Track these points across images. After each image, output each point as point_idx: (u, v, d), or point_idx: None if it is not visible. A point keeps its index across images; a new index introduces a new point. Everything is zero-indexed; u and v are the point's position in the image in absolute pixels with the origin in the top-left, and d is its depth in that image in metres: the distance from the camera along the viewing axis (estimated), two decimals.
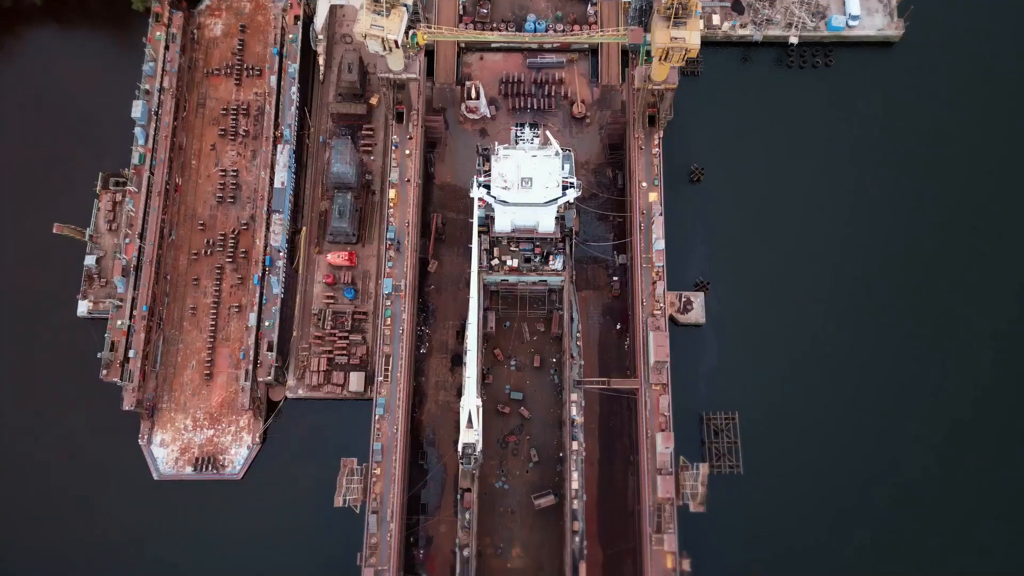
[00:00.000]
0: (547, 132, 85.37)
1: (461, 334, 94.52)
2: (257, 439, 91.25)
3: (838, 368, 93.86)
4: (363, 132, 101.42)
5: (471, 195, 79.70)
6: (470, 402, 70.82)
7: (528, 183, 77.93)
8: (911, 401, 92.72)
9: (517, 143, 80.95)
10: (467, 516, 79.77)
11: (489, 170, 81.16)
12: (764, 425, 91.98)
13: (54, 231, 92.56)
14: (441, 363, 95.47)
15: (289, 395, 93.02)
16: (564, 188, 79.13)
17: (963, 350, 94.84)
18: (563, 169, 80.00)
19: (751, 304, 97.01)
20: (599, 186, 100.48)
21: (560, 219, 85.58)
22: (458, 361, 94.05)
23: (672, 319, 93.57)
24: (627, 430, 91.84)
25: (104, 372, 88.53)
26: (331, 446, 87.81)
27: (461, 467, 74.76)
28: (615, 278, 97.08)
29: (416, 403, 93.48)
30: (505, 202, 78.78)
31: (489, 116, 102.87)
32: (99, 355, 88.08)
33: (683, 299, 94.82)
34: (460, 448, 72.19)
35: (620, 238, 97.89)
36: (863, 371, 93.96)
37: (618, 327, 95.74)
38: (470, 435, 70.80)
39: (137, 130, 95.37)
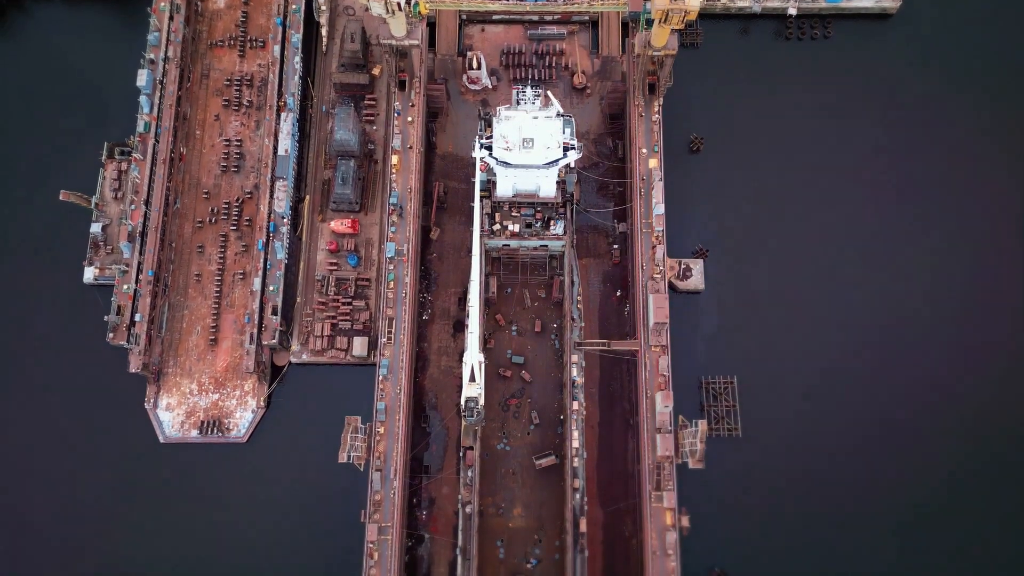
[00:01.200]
0: (548, 93, 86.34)
1: (463, 301, 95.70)
2: (262, 403, 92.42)
3: (836, 333, 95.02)
4: (366, 102, 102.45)
5: (473, 155, 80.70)
6: (473, 357, 72.02)
7: (530, 144, 78.96)
8: (909, 364, 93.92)
9: (519, 104, 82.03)
10: (469, 474, 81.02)
11: (491, 135, 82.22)
12: (762, 389, 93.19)
13: (60, 198, 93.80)
14: (443, 329, 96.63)
15: (293, 360, 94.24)
16: (565, 150, 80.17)
17: (964, 312, 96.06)
18: (564, 133, 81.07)
19: (750, 271, 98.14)
20: (599, 155, 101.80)
21: (561, 184, 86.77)
22: (460, 327, 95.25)
23: (671, 286, 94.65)
24: (627, 394, 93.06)
25: (111, 335, 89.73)
26: (335, 410, 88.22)
27: (464, 421, 75.96)
28: (615, 246, 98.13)
29: (419, 368, 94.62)
30: (507, 163, 79.78)
31: (490, 87, 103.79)
32: (106, 318, 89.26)
33: (682, 266, 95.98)
34: (463, 402, 73.43)
35: (620, 207, 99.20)
36: (861, 336, 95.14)
37: (618, 294, 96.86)
38: (472, 389, 72.02)
39: (142, 99, 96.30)
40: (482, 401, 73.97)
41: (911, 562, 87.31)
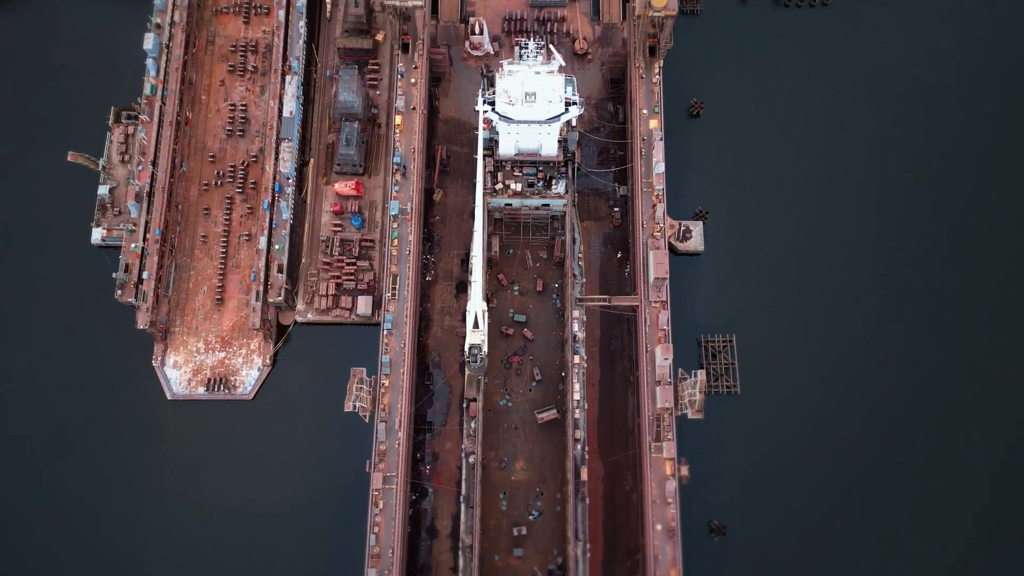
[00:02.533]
0: (551, 46, 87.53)
1: (466, 262, 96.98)
2: (267, 361, 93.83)
3: (834, 293, 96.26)
4: (369, 67, 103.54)
5: (476, 108, 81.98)
6: (476, 306, 73.40)
7: (532, 98, 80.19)
8: (907, 323, 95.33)
9: (521, 59, 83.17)
10: (472, 426, 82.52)
11: (494, 92, 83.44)
12: (761, 348, 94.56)
13: (68, 159, 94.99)
14: (446, 290, 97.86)
15: (298, 319, 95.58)
16: (567, 105, 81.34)
17: (961, 277, 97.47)
18: (566, 90, 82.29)
19: (750, 233, 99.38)
20: (600, 119, 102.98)
21: (563, 142, 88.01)
22: (463, 288, 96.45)
23: (671, 247, 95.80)
24: (627, 353, 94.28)
25: (119, 293, 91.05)
26: (340, 368, 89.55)
27: (467, 369, 77.31)
28: (616, 209, 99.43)
29: (422, 328, 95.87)
30: (509, 119, 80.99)
31: (492, 53, 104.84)
32: (114, 275, 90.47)
33: (682, 227, 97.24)
34: (467, 349, 74.80)
35: (621, 167, 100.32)
36: (859, 297, 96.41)
37: (619, 255, 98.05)
38: (476, 336, 73.42)
39: (149, 62, 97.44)
40: (485, 348, 75.34)
41: (906, 516, 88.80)
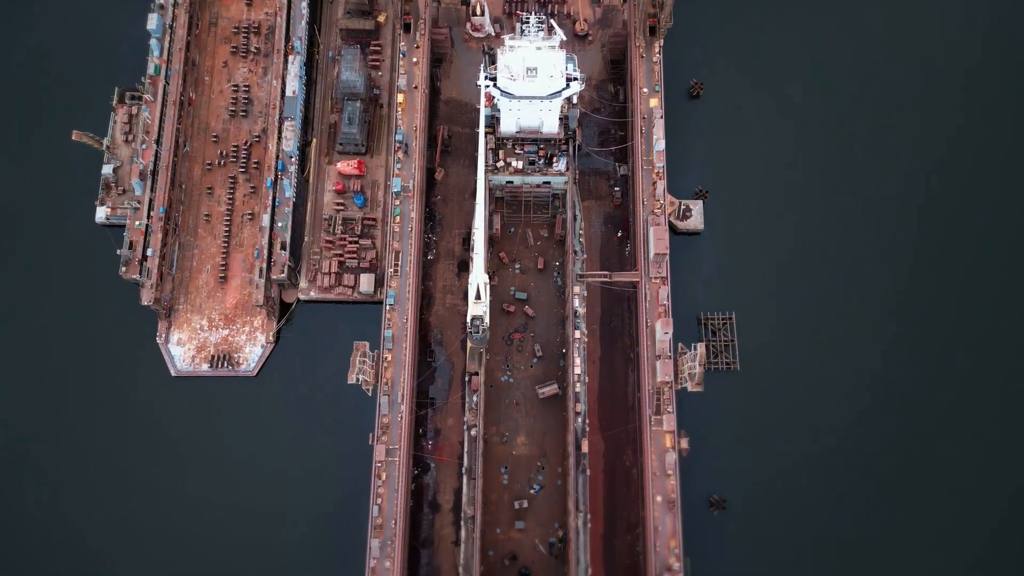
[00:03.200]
0: (552, 21, 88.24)
1: (467, 241, 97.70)
2: (271, 338, 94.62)
3: (834, 271, 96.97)
4: (371, 48, 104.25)
5: (477, 84, 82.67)
6: (478, 277, 74.17)
7: (533, 73, 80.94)
8: (907, 299, 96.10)
9: (522, 35, 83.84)
10: (474, 399, 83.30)
11: (495, 69, 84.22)
12: (760, 325, 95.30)
13: (73, 138, 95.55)
14: (448, 268, 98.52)
15: (301, 297, 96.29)
16: (568, 81, 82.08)
17: (962, 251, 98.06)
18: (567, 66, 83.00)
19: (750, 212, 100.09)
20: (601, 100, 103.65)
21: (563, 120, 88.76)
22: (464, 267, 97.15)
23: (671, 227, 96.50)
24: (627, 330, 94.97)
25: (123, 270, 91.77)
26: (342, 345, 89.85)
27: (469, 341, 78.07)
28: (616, 188, 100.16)
29: (424, 305, 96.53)
30: (511, 94, 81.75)
31: (494, 34, 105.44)
32: (118, 252, 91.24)
33: (682, 206, 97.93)
34: (468, 320, 75.58)
35: (622, 152, 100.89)
36: (858, 275, 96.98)
37: (619, 234, 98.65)
38: (478, 308, 74.19)
39: (152, 42, 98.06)
40: (487, 320, 76.08)
41: (905, 491, 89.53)
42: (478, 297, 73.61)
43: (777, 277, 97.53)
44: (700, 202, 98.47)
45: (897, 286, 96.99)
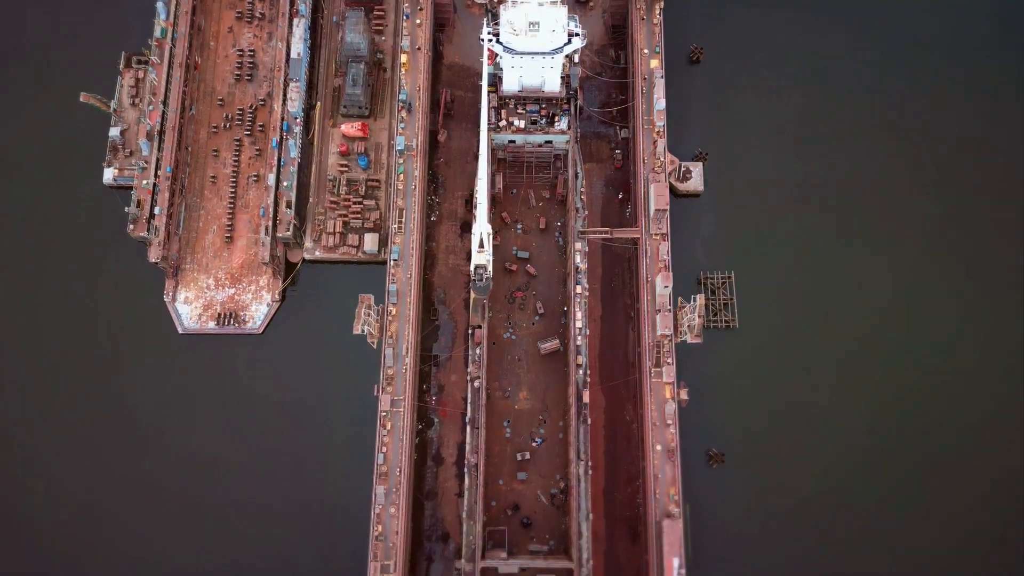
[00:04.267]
0: None
1: (470, 202, 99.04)
2: (276, 297, 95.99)
3: (831, 232, 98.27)
4: (375, 13, 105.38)
5: (480, 39, 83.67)
6: (481, 227, 75.41)
7: (535, 28, 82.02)
8: (901, 262, 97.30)
9: None
10: (478, 352, 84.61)
11: (498, 26, 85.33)
12: (759, 284, 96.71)
13: (81, 99, 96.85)
14: (451, 230, 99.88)
15: (306, 257, 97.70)
16: (570, 36, 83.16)
17: (961, 216, 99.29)
18: (569, 22, 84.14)
19: (749, 175, 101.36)
20: (602, 65, 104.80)
21: (565, 78, 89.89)
22: (467, 228, 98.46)
23: (672, 188, 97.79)
24: (628, 289, 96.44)
25: (131, 227, 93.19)
26: (346, 303, 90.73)
27: (472, 292, 79.28)
28: (617, 151, 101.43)
29: (427, 265, 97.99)
30: (513, 50, 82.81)
31: (495, 0, 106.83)
32: (126, 210, 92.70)
33: (682, 168, 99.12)
34: (472, 269, 76.87)
35: (623, 115, 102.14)
36: (855, 236, 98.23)
37: (620, 196, 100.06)
38: (481, 257, 75.50)
39: (159, 5, 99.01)
40: (490, 269, 77.33)
41: (901, 445, 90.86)
42: (481, 246, 74.79)
43: (776, 237, 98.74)
44: (700, 164, 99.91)
45: (893, 246, 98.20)
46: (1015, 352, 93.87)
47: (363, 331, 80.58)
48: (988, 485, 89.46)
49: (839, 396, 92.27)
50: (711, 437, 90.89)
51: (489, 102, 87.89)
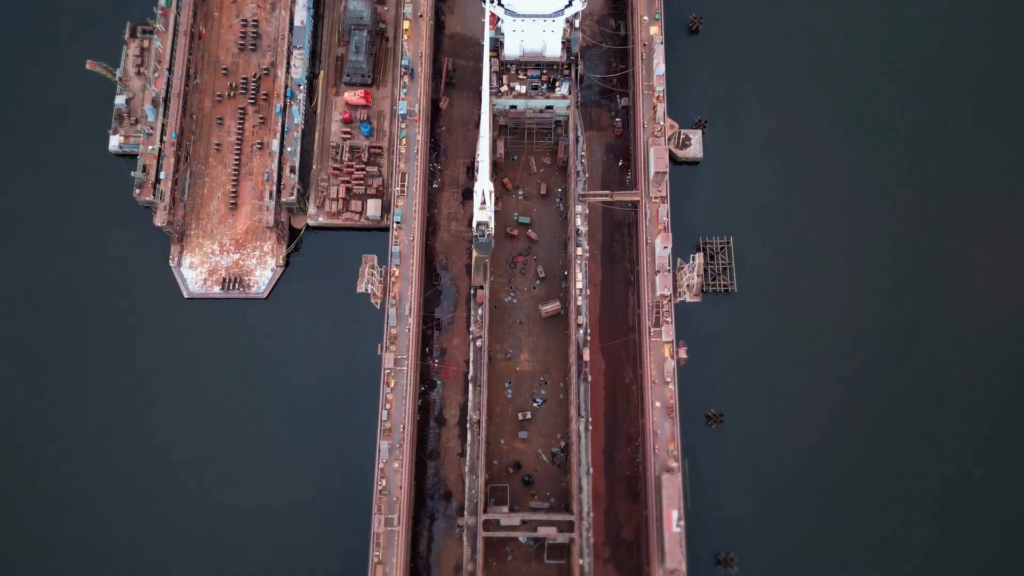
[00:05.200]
0: None
1: (471, 170, 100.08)
2: (280, 262, 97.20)
3: (830, 197, 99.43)
4: None
5: (482, 3, 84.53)
6: (483, 184, 76.47)
7: None
8: (899, 227, 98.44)
9: None
10: (479, 312, 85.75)
11: None
12: (757, 249, 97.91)
13: (87, 67, 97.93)
14: (452, 197, 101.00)
15: (310, 223, 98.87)
16: None
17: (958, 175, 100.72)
18: None
19: (748, 141, 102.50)
20: (603, 35, 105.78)
21: (566, 44, 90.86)
22: (468, 195, 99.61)
23: (671, 155, 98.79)
24: (627, 255, 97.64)
25: (137, 192, 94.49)
26: (350, 269, 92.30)
27: (475, 248, 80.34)
28: (617, 119, 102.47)
29: (429, 232, 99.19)
30: (514, 12, 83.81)
31: None
32: (132, 174, 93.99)
33: (682, 135, 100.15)
34: (474, 226, 77.95)
35: (623, 83, 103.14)
36: (854, 202, 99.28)
37: (620, 163, 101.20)
38: (483, 214, 76.54)
39: None
40: (492, 226, 78.41)
41: (895, 404, 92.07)
42: (483, 203, 75.92)
43: (775, 203, 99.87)
44: (699, 131, 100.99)
45: (892, 212, 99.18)
46: (1016, 312, 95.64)
47: (366, 290, 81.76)
48: (982, 439, 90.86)
49: (837, 358, 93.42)
50: (710, 399, 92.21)
51: (491, 67, 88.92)
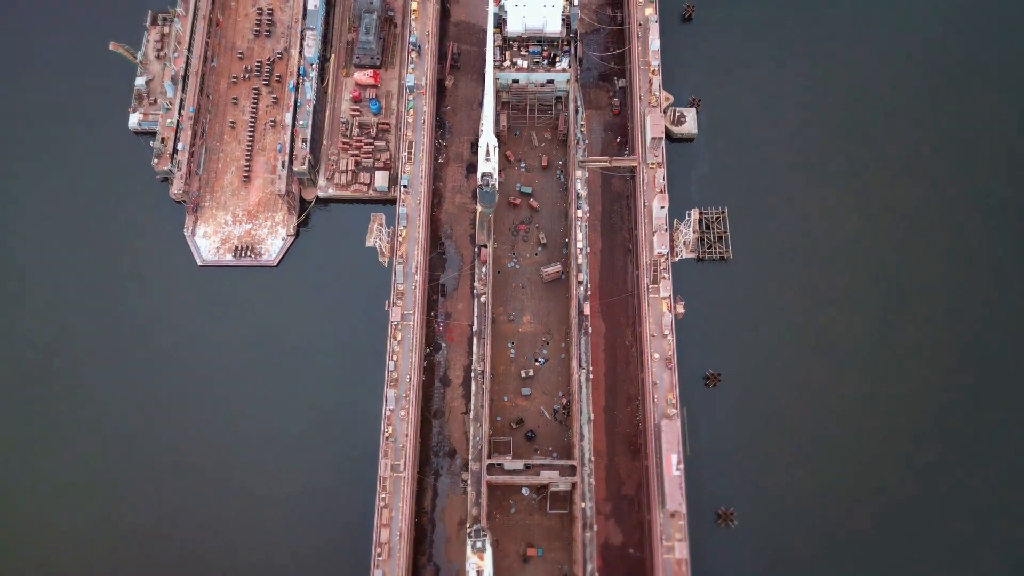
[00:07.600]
0: None
1: (475, 146, 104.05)
2: (291, 231, 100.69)
3: (821, 170, 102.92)
4: None
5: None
6: (487, 139, 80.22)
7: None
8: (894, 201, 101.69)
9: None
10: (483, 270, 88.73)
11: None
12: (751, 219, 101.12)
13: (110, 48, 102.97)
14: (457, 171, 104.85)
15: (320, 195, 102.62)
16: None
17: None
18: None
19: (741, 119, 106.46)
20: (599, 22, 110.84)
21: (566, 20, 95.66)
22: (472, 169, 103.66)
23: (667, 132, 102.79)
24: (626, 225, 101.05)
25: (155, 162, 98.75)
26: (357, 237, 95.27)
27: (479, 201, 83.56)
28: (615, 99, 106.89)
29: (435, 204, 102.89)
30: None
31: None
32: (151, 144, 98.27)
33: (677, 112, 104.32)
34: (479, 177, 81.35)
35: (620, 62, 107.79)
36: (846, 172, 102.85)
37: (618, 140, 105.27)
38: (487, 166, 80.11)
39: None
40: (496, 177, 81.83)
41: (886, 370, 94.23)
42: (487, 157, 79.55)
43: (768, 175, 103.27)
44: (693, 109, 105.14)
45: (884, 185, 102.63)
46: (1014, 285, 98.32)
47: (375, 244, 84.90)
48: (978, 415, 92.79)
49: (832, 318, 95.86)
50: (708, 361, 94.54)
51: (494, 42, 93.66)
